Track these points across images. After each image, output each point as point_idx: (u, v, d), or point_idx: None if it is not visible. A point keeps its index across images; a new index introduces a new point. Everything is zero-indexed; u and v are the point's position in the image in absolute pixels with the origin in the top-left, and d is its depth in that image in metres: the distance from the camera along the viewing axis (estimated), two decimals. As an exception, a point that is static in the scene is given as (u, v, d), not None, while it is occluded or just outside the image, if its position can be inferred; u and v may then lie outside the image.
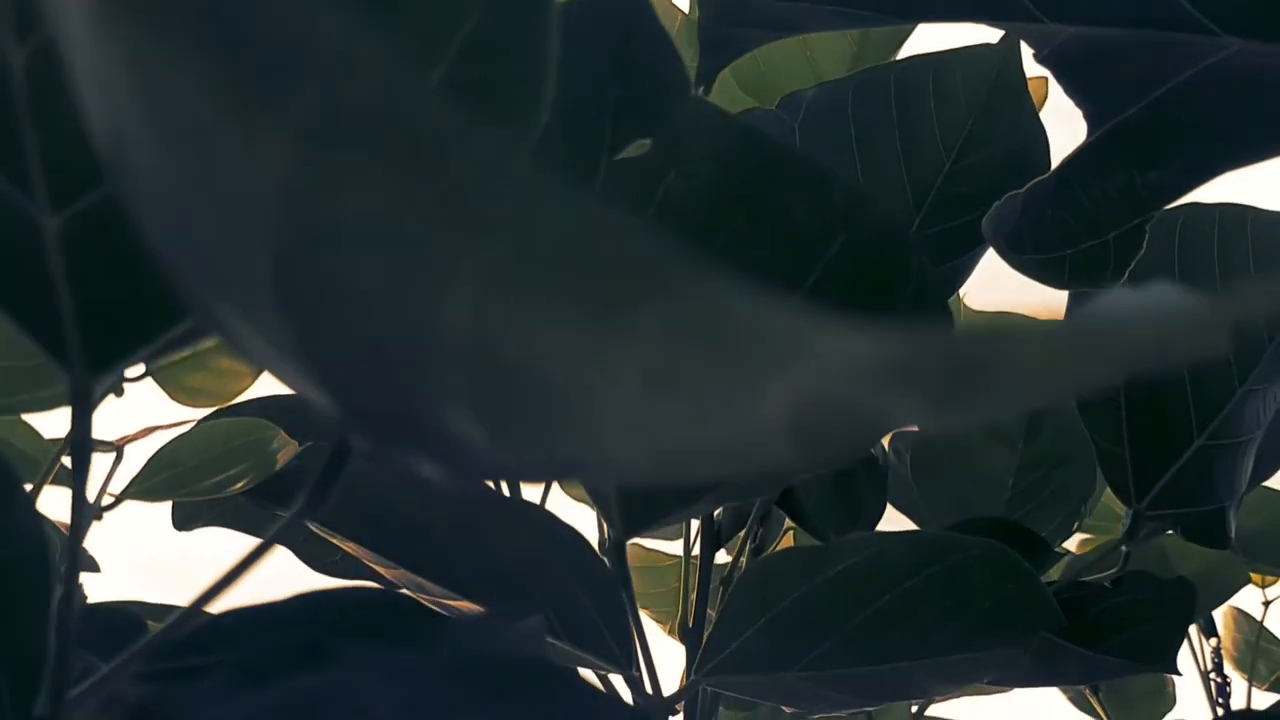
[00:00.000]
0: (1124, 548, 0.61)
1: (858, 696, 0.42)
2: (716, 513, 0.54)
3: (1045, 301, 0.53)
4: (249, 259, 0.11)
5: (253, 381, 0.40)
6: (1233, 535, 0.54)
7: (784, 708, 0.42)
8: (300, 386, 0.15)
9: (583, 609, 0.37)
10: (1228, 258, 0.51)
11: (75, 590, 0.24)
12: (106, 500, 0.38)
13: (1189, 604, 0.54)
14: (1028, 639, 0.39)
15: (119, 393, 0.37)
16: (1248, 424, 0.52)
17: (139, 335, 0.19)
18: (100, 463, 0.40)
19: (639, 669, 0.41)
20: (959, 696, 0.55)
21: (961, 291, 0.75)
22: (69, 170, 0.18)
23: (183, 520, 0.46)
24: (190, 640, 0.24)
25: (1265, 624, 0.89)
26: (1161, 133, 0.30)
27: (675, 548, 0.64)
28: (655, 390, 0.09)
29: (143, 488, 0.37)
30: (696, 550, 0.52)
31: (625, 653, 0.40)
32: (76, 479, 0.20)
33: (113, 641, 0.24)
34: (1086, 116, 0.31)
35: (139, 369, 0.39)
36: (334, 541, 0.34)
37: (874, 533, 0.40)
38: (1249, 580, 0.73)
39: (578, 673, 0.24)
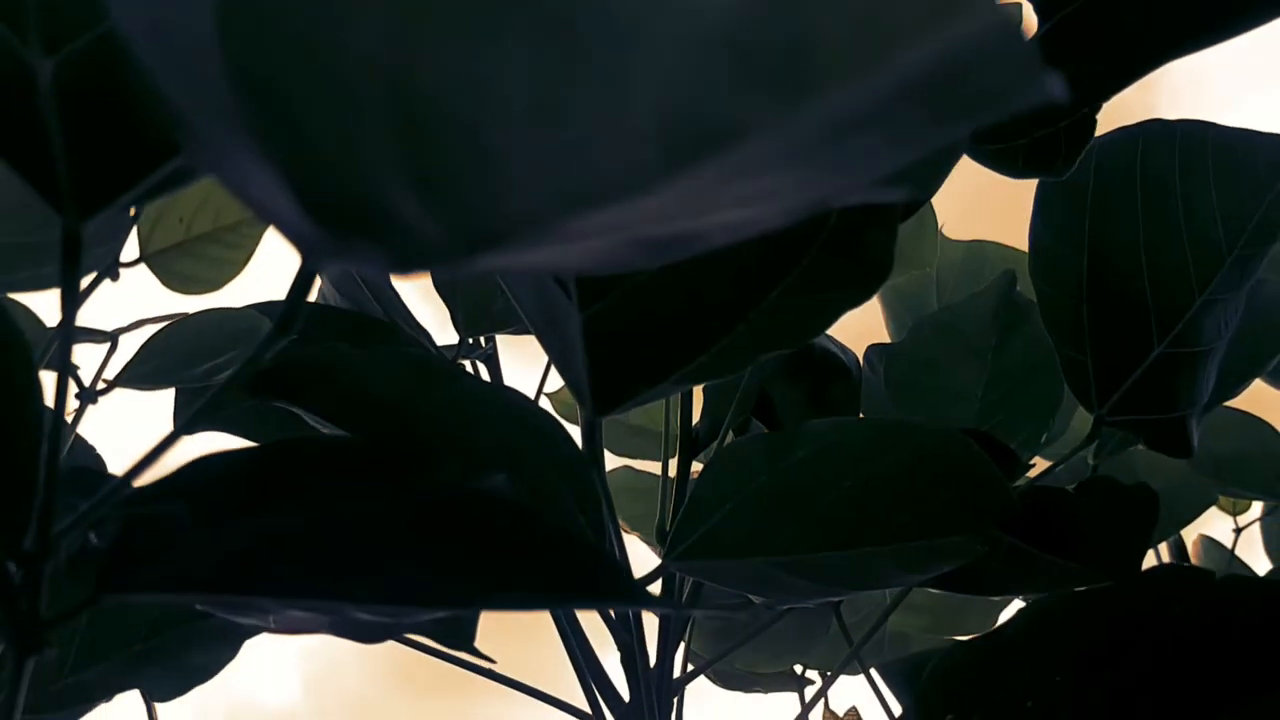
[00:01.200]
0: (1090, 460, 0.62)
1: (824, 585, 0.44)
2: (694, 422, 0.56)
3: (1021, 236, 0.55)
4: (203, 38, 0.12)
5: (242, 269, 0.42)
6: (1195, 445, 0.55)
7: (753, 599, 0.44)
8: (266, 198, 0.16)
9: (556, 491, 0.39)
10: (1189, 174, 0.52)
11: (62, 438, 0.25)
12: (101, 387, 0.40)
13: (1152, 510, 0.56)
14: (984, 527, 0.41)
15: (114, 278, 0.38)
16: (1208, 334, 0.53)
17: (128, 176, 0.21)
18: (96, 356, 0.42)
19: (608, 541, 0.43)
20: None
21: (940, 223, 0.76)
22: (62, 13, 0.19)
23: (187, 424, 0.48)
24: (170, 480, 0.25)
25: (1236, 552, 0.91)
26: (1104, 25, 0.31)
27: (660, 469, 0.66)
28: (541, 102, 0.10)
29: (136, 373, 0.39)
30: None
31: (597, 535, 0.41)
32: (66, 309, 0.21)
33: (92, 489, 0.26)
34: (1035, 9, 0.32)
35: (134, 254, 0.41)
36: (310, 422, 0.36)
37: (836, 419, 0.41)
38: (1216, 499, 0.75)
39: (539, 512, 0.26)
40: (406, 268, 0.16)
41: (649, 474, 0.78)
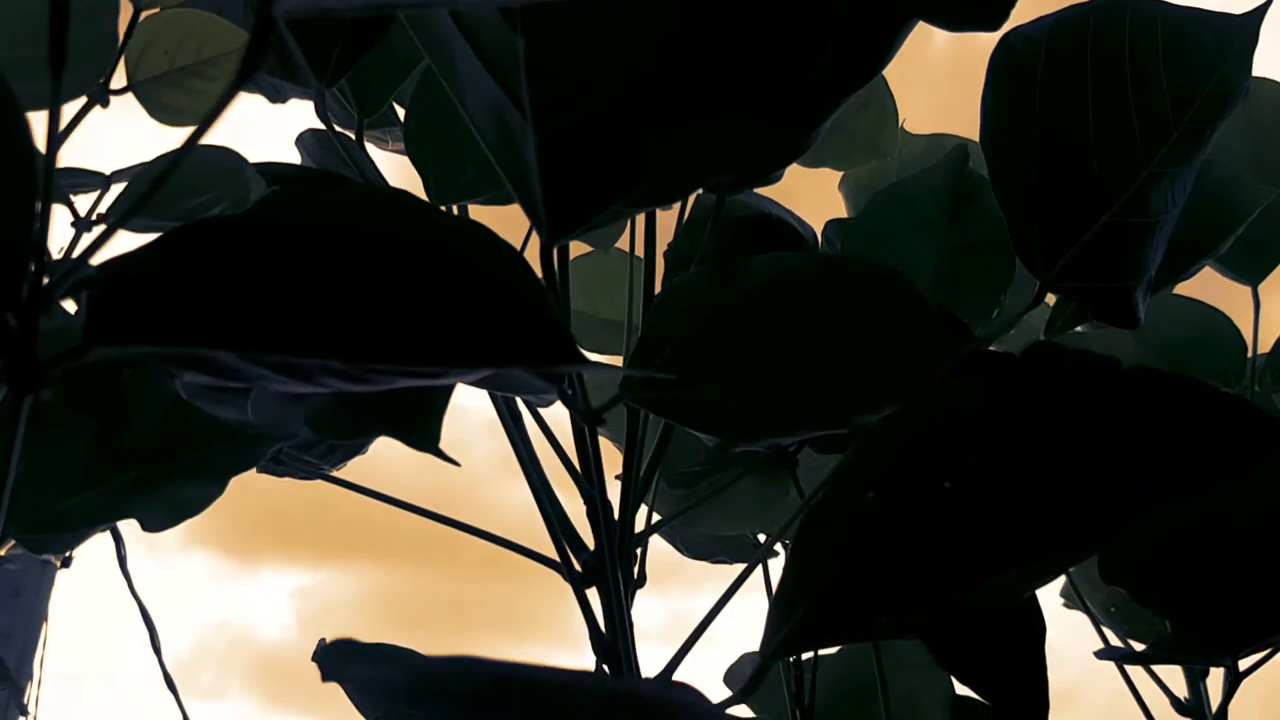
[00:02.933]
0: (1041, 337, 0.65)
1: (776, 422, 0.47)
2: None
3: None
4: None
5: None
6: (1141, 317, 0.58)
7: (704, 437, 0.47)
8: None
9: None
10: (1139, 50, 0.54)
11: (51, 196, 0.28)
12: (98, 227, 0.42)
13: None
14: (923, 364, 0.44)
15: (104, 104, 0.41)
16: (1154, 206, 0.56)
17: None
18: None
19: (571, 385, 0.46)
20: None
21: (901, 119, 0.78)
22: None
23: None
24: (160, 243, 0.28)
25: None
26: None
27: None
28: None
29: (126, 210, 0.41)
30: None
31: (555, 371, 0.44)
32: (55, 63, 0.24)
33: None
34: None
35: (122, 83, 0.43)
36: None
37: (782, 253, 0.44)
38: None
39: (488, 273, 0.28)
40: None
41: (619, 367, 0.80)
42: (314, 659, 0.30)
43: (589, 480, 0.55)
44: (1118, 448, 0.33)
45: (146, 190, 0.28)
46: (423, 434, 0.36)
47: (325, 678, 0.30)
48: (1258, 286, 0.75)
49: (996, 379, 0.32)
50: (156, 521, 0.48)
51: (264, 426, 0.35)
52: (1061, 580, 0.88)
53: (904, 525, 0.33)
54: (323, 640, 0.30)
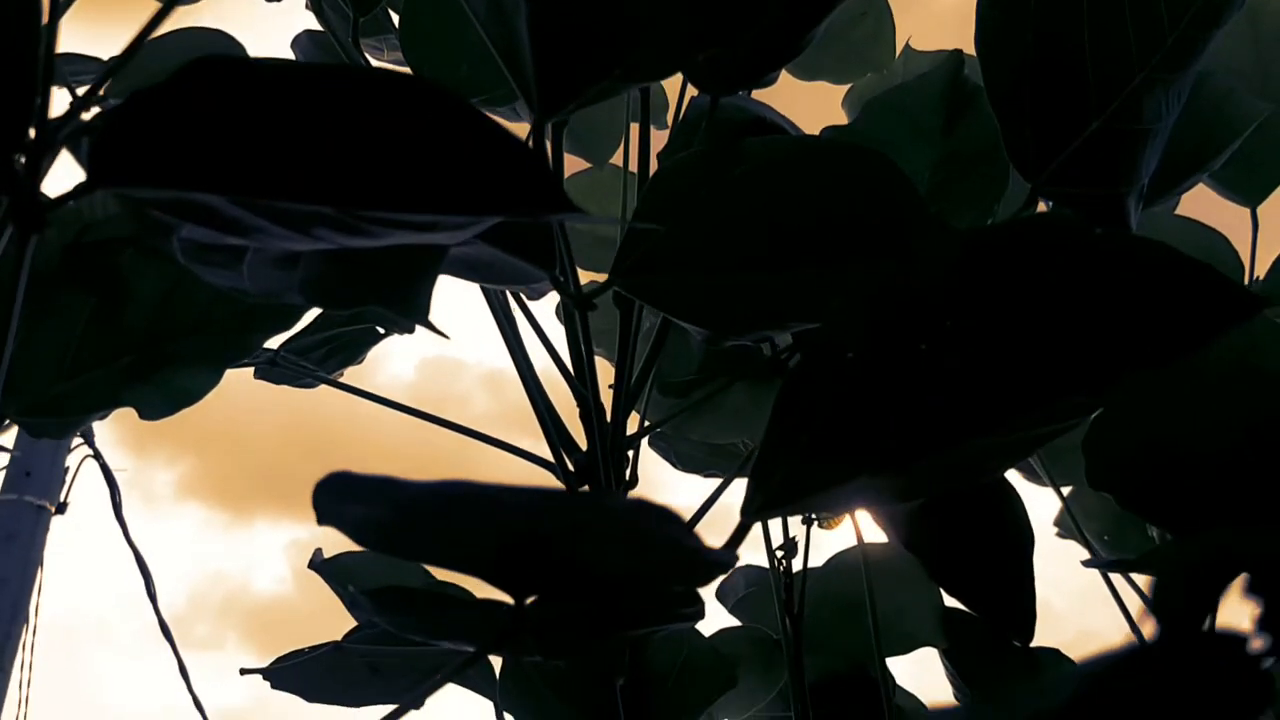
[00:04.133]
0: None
1: (763, 312, 0.47)
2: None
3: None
4: None
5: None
6: (1133, 225, 0.58)
7: (693, 329, 0.48)
8: None
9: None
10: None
11: (54, 39, 0.28)
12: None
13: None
14: (905, 245, 0.44)
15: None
16: (1148, 114, 0.56)
17: None
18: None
19: (564, 272, 0.46)
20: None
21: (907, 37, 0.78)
22: None
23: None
24: (168, 84, 0.28)
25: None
26: None
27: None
28: None
29: (118, 89, 0.41)
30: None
31: (548, 252, 0.45)
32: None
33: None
34: None
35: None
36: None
37: (774, 137, 0.44)
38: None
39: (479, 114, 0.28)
40: None
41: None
42: (313, 503, 0.31)
43: (581, 381, 0.56)
44: (1088, 311, 0.33)
45: (131, 49, 0.28)
46: (411, 304, 0.36)
47: (320, 521, 0.31)
48: (1257, 208, 0.75)
49: (972, 243, 0.33)
50: (153, 409, 0.49)
51: (259, 291, 0.35)
52: (1056, 510, 0.89)
53: (881, 387, 0.34)
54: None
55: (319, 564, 0.71)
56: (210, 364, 0.49)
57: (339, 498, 0.31)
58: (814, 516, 0.70)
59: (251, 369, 0.67)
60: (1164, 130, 0.58)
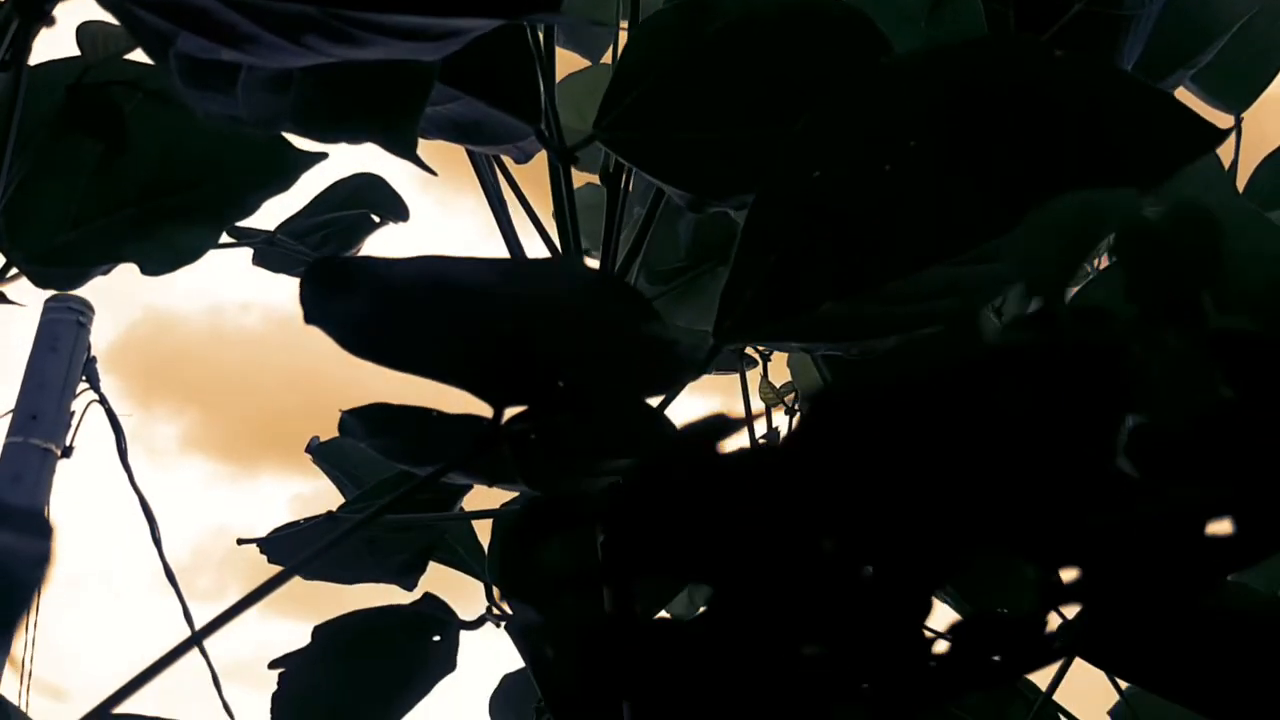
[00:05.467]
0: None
1: (745, 174, 0.49)
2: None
3: None
4: None
5: None
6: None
7: (676, 192, 0.49)
8: None
9: (488, 58, 0.43)
10: None
11: None
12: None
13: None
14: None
15: None
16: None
17: None
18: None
19: (547, 124, 0.48)
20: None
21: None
22: None
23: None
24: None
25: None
26: None
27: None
28: None
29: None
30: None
31: (532, 105, 0.46)
32: None
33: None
34: None
35: None
36: None
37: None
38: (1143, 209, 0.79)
39: None
40: None
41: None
42: (300, 299, 0.32)
43: (566, 252, 0.58)
44: (1048, 132, 0.35)
45: None
46: (398, 135, 0.38)
47: (308, 319, 0.32)
48: (1241, 115, 0.76)
49: (935, 63, 0.34)
50: (154, 264, 0.51)
51: (252, 119, 0.37)
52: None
53: (846, 208, 0.35)
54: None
55: (316, 448, 0.73)
56: (210, 220, 0.50)
57: (326, 295, 0.32)
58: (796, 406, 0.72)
59: (250, 258, 0.69)
60: (1146, 19, 0.59)
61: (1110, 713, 0.78)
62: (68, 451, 2.87)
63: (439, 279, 0.28)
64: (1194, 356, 0.17)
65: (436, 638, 0.55)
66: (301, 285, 0.32)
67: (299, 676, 0.51)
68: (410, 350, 0.34)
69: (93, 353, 2.75)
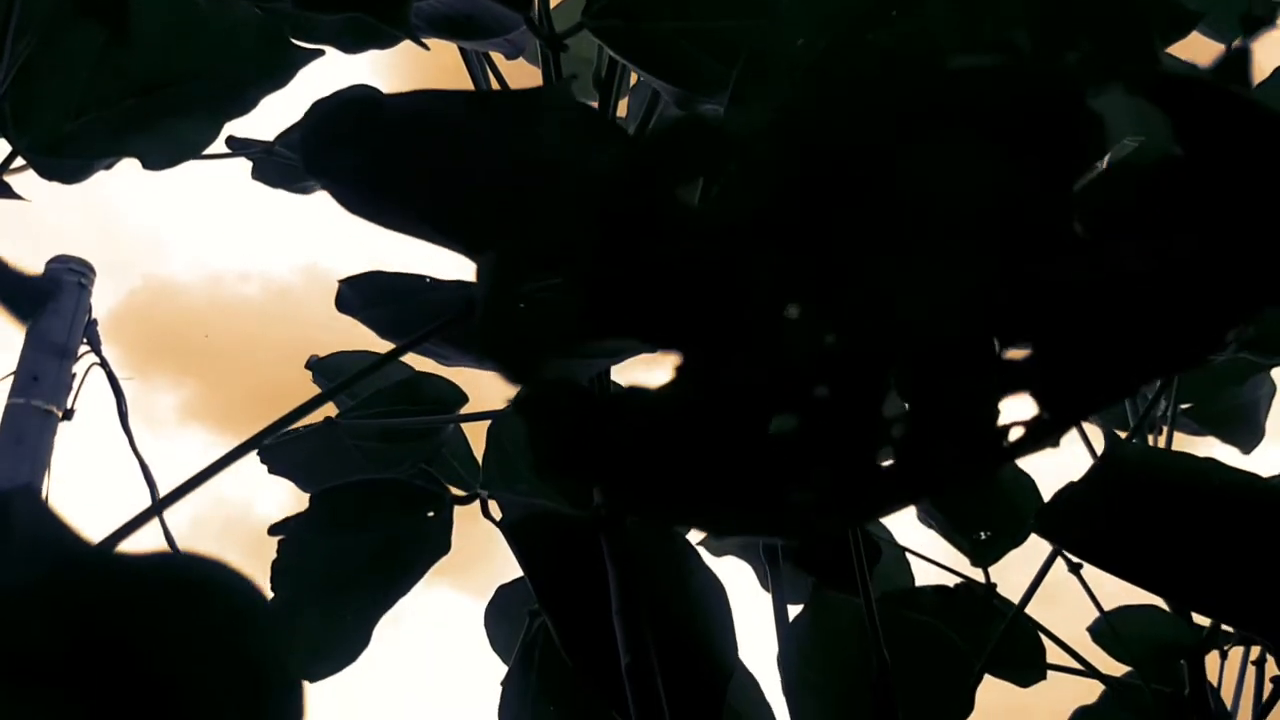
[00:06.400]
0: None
1: (725, 65, 0.50)
2: None
3: None
4: None
5: None
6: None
7: (665, 87, 0.50)
8: None
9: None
10: None
11: None
12: None
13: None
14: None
15: None
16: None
17: None
18: None
19: (536, 12, 0.49)
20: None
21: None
22: None
23: None
24: None
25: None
26: None
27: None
28: None
29: None
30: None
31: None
32: None
33: None
34: None
35: None
36: None
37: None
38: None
39: None
40: None
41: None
42: (300, 151, 0.33)
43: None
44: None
45: None
46: (393, 9, 0.39)
47: (308, 169, 0.34)
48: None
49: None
50: (157, 157, 0.52)
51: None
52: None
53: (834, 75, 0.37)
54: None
55: (314, 363, 0.74)
56: (210, 114, 0.51)
57: (324, 148, 0.34)
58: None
59: (250, 169, 0.70)
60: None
61: (1089, 629, 0.80)
62: (69, 414, 2.88)
63: (423, 114, 0.30)
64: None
65: (430, 513, 0.56)
66: (302, 136, 0.33)
67: (297, 545, 0.53)
68: (400, 201, 0.35)
69: (93, 315, 2.76)
